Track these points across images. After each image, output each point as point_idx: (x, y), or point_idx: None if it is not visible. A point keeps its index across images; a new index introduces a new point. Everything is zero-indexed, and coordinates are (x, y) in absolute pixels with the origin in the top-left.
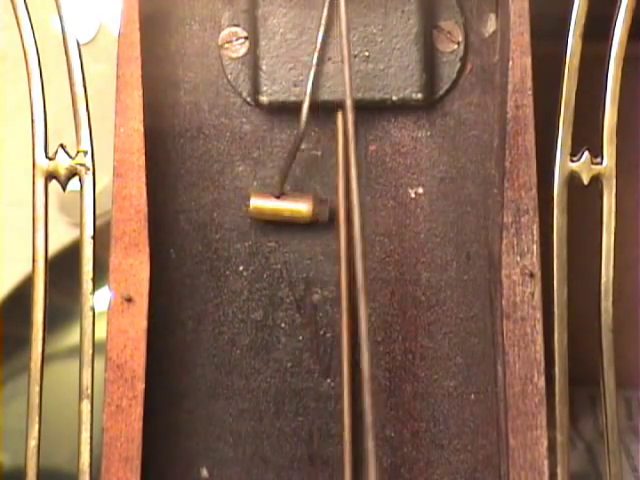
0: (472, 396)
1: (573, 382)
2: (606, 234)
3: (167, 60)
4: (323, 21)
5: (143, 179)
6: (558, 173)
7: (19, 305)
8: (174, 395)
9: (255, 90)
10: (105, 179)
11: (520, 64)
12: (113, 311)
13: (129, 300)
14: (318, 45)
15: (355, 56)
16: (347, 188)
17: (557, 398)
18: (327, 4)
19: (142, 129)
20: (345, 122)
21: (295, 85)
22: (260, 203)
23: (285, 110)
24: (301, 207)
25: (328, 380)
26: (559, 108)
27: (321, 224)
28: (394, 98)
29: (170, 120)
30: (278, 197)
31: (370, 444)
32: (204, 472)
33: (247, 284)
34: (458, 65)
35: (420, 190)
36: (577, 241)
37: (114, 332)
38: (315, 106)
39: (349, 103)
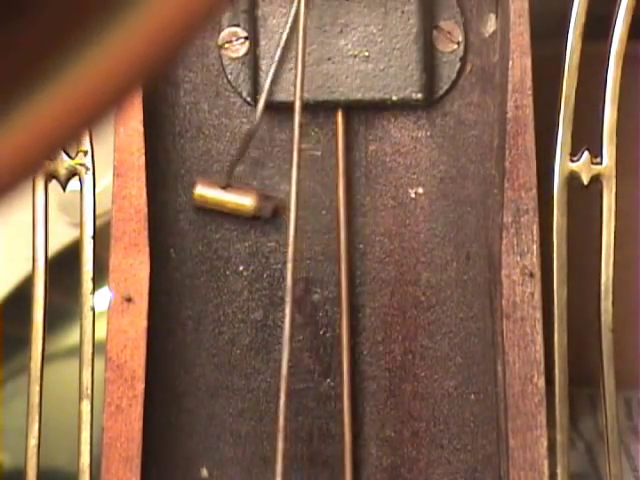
0: (472, 396)
1: (573, 382)
2: (606, 234)
3: None
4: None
5: (143, 179)
6: (558, 173)
7: (19, 305)
8: (174, 395)
9: (255, 90)
10: (105, 179)
11: (520, 64)
12: (113, 311)
13: (129, 300)
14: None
15: (355, 56)
16: (347, 188)
17: (557, 398)
18: (296, 2)
19: (142, 129)
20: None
21: (295, 85)
22: (205, 192)
23: (285, 110)
24: (245, 201)
25: (328, 380)
26: (559, 108)
27: (322, 225)
28: (394, 98)
29: (170, 120)
30: (224, 188)
31: None
32: (204, 472)
33: (247, 284)
34: (458, 65)
35: (420, 190)
36: (577, 241)
37: (114, 332)
38: (314, 106)
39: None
